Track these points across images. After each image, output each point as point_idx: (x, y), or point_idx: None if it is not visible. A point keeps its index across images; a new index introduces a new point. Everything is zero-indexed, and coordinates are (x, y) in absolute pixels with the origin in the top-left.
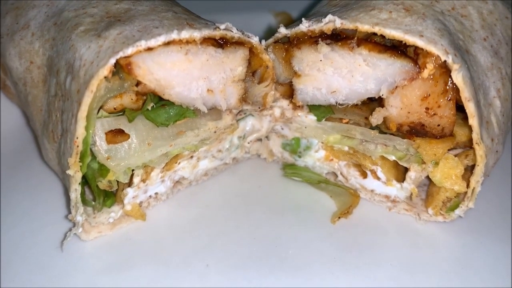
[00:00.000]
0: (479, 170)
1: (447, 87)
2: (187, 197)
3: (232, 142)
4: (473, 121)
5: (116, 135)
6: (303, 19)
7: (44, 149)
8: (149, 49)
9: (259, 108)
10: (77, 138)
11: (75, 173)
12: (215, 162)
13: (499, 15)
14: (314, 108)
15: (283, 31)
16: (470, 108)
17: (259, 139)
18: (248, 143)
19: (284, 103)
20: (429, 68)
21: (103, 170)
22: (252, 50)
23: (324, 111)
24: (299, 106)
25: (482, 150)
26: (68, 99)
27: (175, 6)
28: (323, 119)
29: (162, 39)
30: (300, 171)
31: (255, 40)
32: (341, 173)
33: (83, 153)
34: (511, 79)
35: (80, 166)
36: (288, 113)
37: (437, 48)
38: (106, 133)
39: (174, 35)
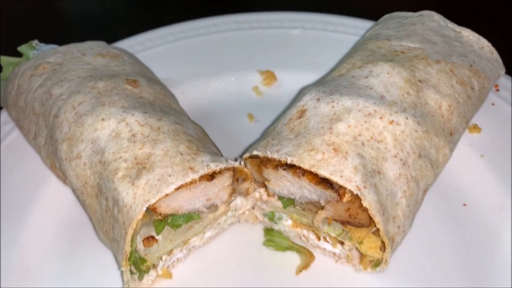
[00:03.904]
0: (388, 249)
1: (361, 204)
2: (198, 254)
3: (227, 216)
4: (379, 225)
5: (149, 239)
6: (267, 150)
7: (99, 235)
8: (166, 194)
9: (244, 196)
10: (126, 251)
11: (126, 268)
12: (216, 231)
13: (409, 131)
14: (281, 198)
15: (255, 152)
16: (375, 219)
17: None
18: (238, 214)
19: (262, 190)
20: (347, 197)
21: (142, 259)
22: (234, 169)
23: (288, 201)
24: (272, 194)
25: (387, 240)
26: (117, 223)
27: (181, 144)
28: (288, 206)
29: (174, 186)
30: (275, 237)
31: (236, 164)
32: (303, 236)
33: (130, 255)
34: (416, 179)
35: (128, 262)
36: (264, 197)
37: (351, 186)
38: (142, 240)
39: (181, 182)
